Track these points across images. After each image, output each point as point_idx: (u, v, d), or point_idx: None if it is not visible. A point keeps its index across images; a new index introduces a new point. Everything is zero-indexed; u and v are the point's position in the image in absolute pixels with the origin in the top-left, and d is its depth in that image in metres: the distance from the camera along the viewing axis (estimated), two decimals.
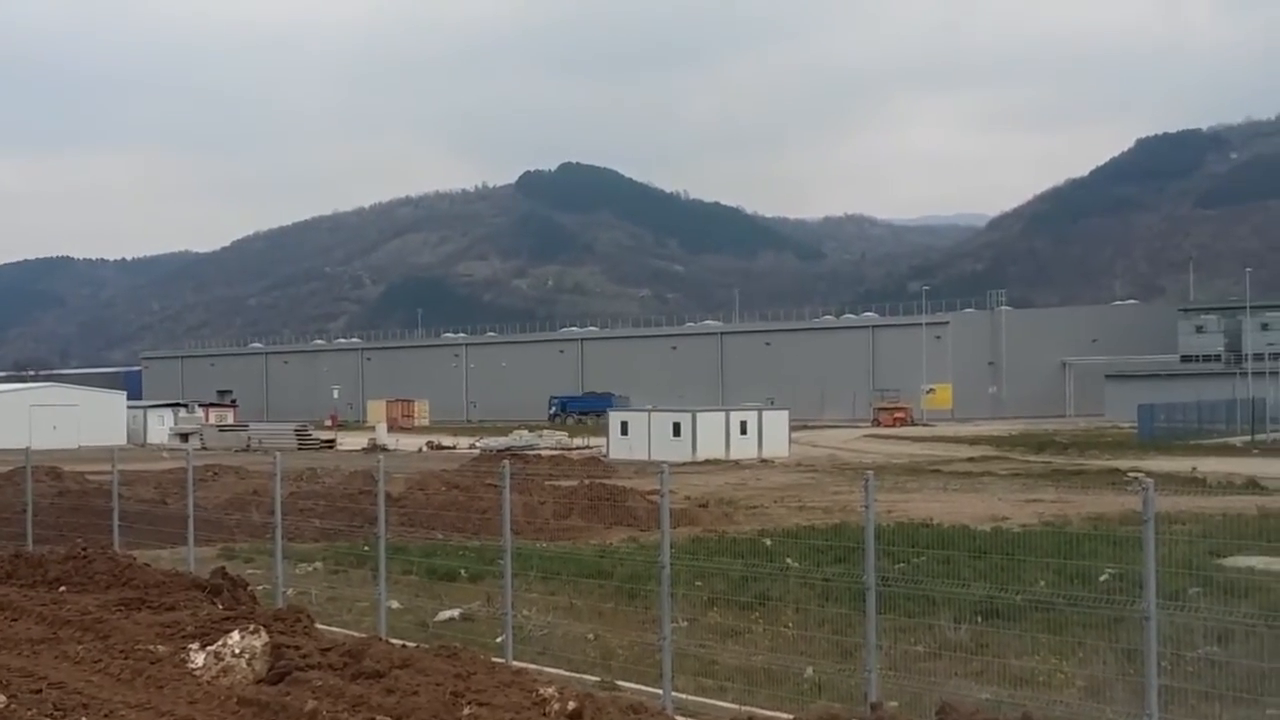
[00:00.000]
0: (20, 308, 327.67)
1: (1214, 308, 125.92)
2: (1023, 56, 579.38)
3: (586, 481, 38.17)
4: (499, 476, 15.49)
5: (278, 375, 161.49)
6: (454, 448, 76.21)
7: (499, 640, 14.95)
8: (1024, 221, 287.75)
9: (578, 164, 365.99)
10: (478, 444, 76.18)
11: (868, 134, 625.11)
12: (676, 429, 64.46)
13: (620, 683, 13.78)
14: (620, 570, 19.56)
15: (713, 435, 63.88)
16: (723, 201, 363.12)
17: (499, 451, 64.18)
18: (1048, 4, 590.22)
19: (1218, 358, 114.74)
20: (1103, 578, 13.55)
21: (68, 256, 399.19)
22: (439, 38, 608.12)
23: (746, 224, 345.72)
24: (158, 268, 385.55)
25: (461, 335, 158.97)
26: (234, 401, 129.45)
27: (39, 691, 10.86)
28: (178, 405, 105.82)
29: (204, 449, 76.40)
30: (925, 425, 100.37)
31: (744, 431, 64.69)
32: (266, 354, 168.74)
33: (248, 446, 78.40)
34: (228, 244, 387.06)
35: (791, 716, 11.49)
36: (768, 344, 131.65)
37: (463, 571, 20.62)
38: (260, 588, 17.96)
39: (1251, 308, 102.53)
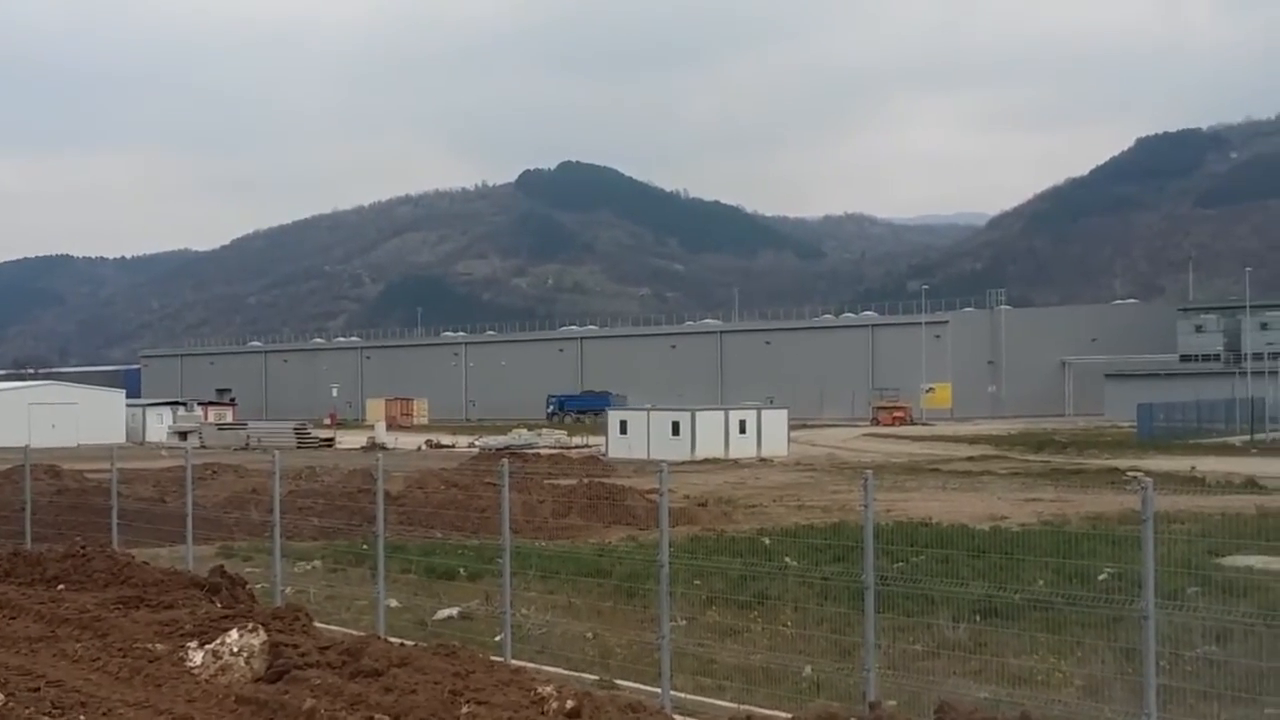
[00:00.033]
0: (20, 306, 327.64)
1: (1213, 307, 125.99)
2: (1023, 56, 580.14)
3: (585, 480, 38.10)
4: (498, 475, 15.49)
5: (277, 374, 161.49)
6: (453, 446, 76.18)
7: (497, 639, 14.95)
8: (1024, 221, 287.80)
9: (577, 163, 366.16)
10: (477, 443, 76.15)
11: (867, 133, 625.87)
12: (675, 428, 64.47)
13: (619, 681, 13.78)
14: (619, 569, 19.57)
15: (712, 434, 63.89)
16: (722, 200, 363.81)
17: (498, 450, 64.11)
18: (1047, 3, 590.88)
19: (1217, 357, 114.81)
20: (1101, 577, 13.54)
21: (67, 255, 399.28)
22: (439, 36, 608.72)
23: (746, 223, 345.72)
24: (157, 266, 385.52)
25: (461, 334, 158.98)
26: (233, 400, 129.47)
27: (37, 690, 10.86)
28: (177, 404, 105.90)
29: (203, 447, 76.38)
30: (924, 424, 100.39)
31: (743, 430, 64.70)
32: (266, 352, 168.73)
33: (246, 445, 78.38)
34: (227, 242, 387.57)
35: (790, 715, 11.48)
36: (767, 343, 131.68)
37: (461, 570, 20.62)
38: (259, 586, 17.96)
39: (1251, 307, 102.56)
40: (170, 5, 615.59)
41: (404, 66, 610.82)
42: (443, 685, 10.61)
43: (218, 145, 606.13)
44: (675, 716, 11.71)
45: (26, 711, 10.26)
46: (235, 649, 11.74)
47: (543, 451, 65.22)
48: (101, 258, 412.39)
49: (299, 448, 74.47)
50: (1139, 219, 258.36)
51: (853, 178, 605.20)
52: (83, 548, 18.40)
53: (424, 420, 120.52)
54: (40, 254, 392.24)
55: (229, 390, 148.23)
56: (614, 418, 69.25)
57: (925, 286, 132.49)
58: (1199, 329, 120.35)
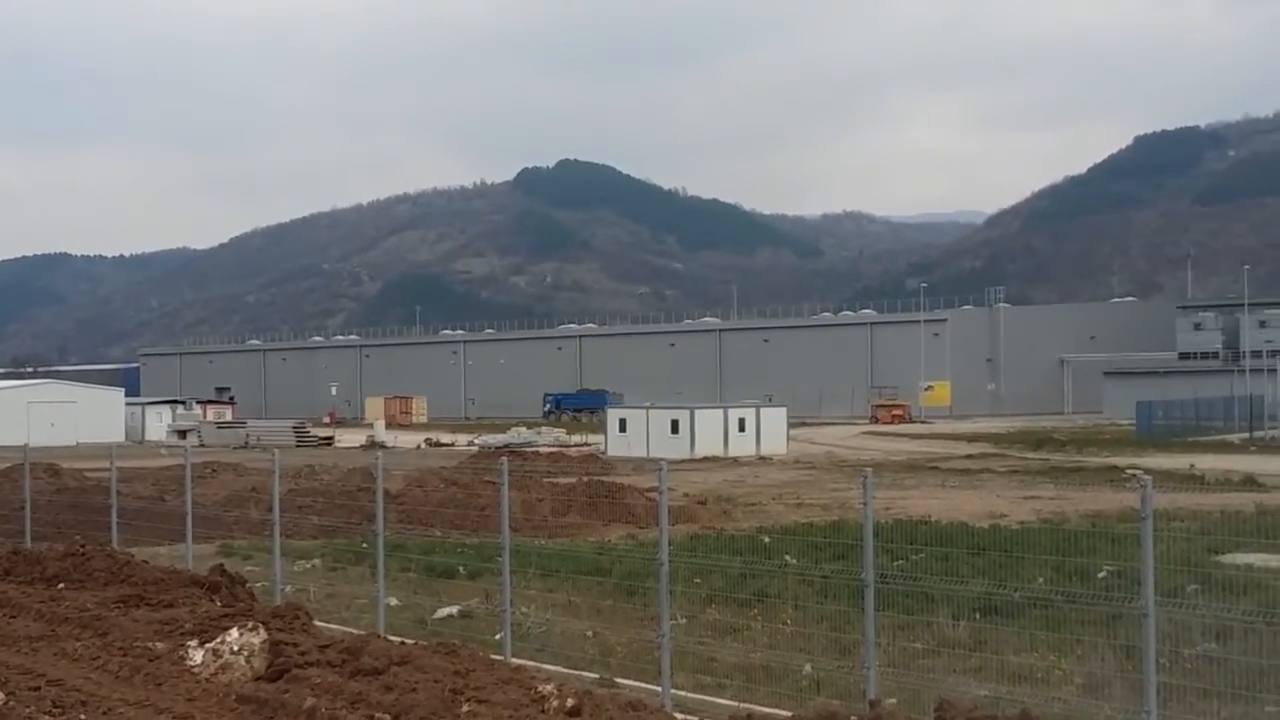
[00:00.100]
0: (18, 304, 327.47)
1: (1212, 305, 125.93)
2: (1022, 54, 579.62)
3: (585, 479, 38.12)
4: (497, 473, 15.50)
5: (276, 372, 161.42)
6: (452, 445, 76.20)
7: (498, 637, 14.96)
8: (1022, 219, 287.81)
9: (576, 161, 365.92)
10: (476, 441, 76.15)
11: (866, 131, 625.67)
12: (675, 426, 64.47)
13: (619, 680, 13.78)
14: (619, 567, 19.57)
15: (711, 432, 63.90)
16: (721, 198, 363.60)
17: (497, 449, 64.10)
18: (1046, 2, 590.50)
19: (1216, 355, 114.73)
20: (1101, 575, 13.55)
21: (66, 253, 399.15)
22: (437, 35, 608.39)
23: (745, 221, 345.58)
24: (156, 264, 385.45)
25: (460, 332, 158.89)
26: (232, 398, 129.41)
27: (38, 689, 10.87)
28: (176, 402, 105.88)
29: (202, 446, 76.36)
30: (923, 422, 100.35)
31: (742, 429, 64.70)
32: (265, 351, 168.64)
33: (246, 443, 78.35)
34: (226, 241, 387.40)
35: (790, 714, 11.48)
36: (766, 341, 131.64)
37: (461, 569, 20.62)
38: (259, 585, 17.97)
39: (1249, 305, 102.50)
40: (169, 4, 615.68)
41: (402, 65, 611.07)
42: (443, 684, 10.62)
43: (217, 144, 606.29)
44: (676, 715, 11.70)
45: (27, 710, 10.26)
46: (235, 648, 11.75)
47: (542, 450, 65.24)
48: (100, 256, 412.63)
49: (298, 446, 74.47)
50: (1137, 217, 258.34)
51: (851, 176, 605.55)
52: (82, 546, 18.41)
53: (423, 419, 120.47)
54: (39, 252, 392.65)
55: (228, 389, 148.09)
56: (613, 416, 69.25)
57: (924, 284, 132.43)
58: (1198, 327, 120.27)
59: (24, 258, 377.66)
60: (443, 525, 26.35)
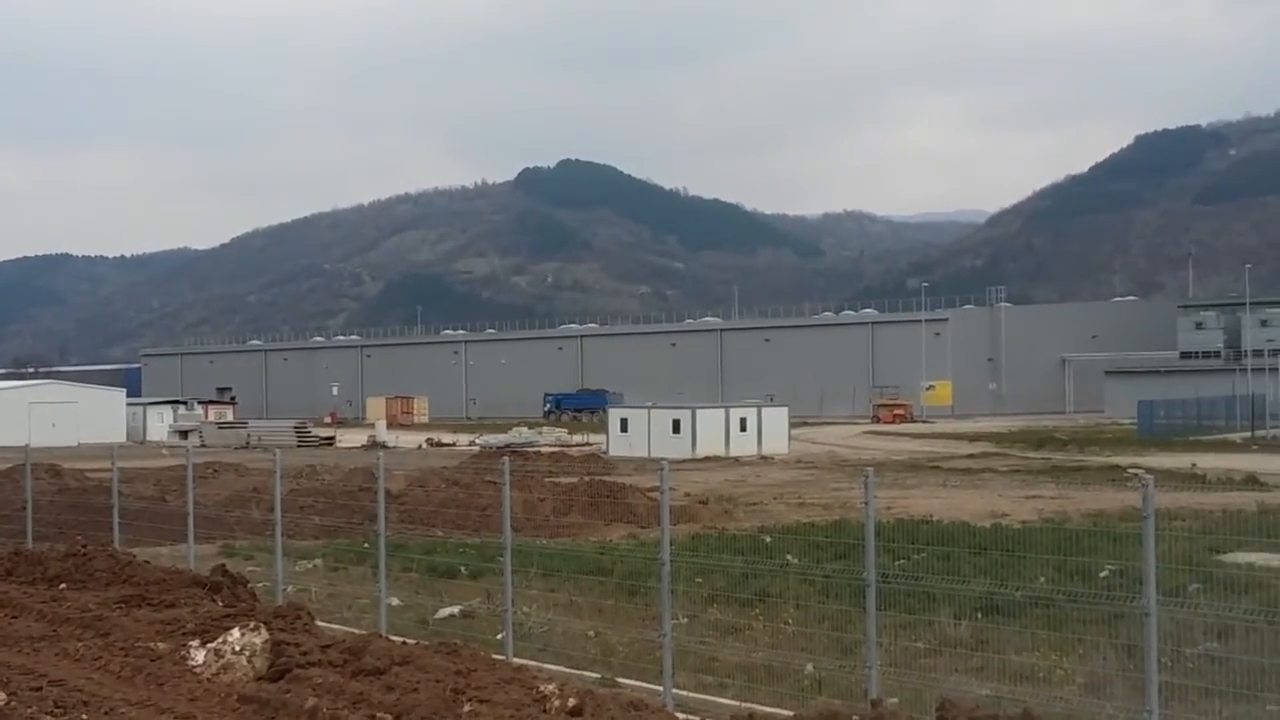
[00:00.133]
0: (19, 304, 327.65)
1: (1213, 304, 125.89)
2: (1022, 54, 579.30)
3: (586, 478, 38.14)
4: (499, 473, 15.49)
5: (277, 372, 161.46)
6: (454, 445, 76.21)
7: (499, 637, 14.96)
8: (1023, 218, 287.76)
9: (577, 161, 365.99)
10: (477, 441, 76.18)
11: (867, 131, 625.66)
12: (676, 426, 64.47)
13: (621, 679, 13.78)
14: (620, 567, 19.56)
15: (712, 432, 63.89)
16: (722, 198, 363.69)
17: (499, 448, 64.12)
18: (1047, 2, 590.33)
19: (1217, 354, 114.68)
20: (1103, 574, 13.56)
21: (67, 253, 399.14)
22: (438, 34, 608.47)
23: (746, 221, 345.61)
24: (157, 265, 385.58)
25: (461, 332, 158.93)
26: (233, 399, 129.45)
27: (39, 689, 10.87)
28: (177, 402, 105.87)
29: (203, 446, 76.40)
30: (925, 422, 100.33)
31: (743, 428, 64.70)
32: (266, 351, 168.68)
33: (247, 444, 78.40)
34: (227, 241, 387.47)
35: (792, 713, 11.48)
36: (767, 341, 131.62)
37: (463, 568, 20.62)
38: (260, 585, 17.96)
39: (1251, 304, 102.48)
40: (169, 4, 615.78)
41: (402, 65, 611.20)
42: (444, 684, 10.61)
43: (217, 144, 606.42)
44: (677, 714, 11.70)
45: (29, 711, 10.26)
46: (237, 648, 11.75)
47: (544, 450, 65.24)
48: (101, 256, 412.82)
49: (299, 446, 74.48)
50: (1138, 216, 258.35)
51: (852, 175, 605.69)
52: (84, 547, 18.41)
53: (424, 419, 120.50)
54: (40, 253, 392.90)
55: (229, 389, 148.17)
56: (614, 416, 69.24)
57: (925, 284, 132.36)
58: (1199, 326, 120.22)
59: (25, 258, 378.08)
60: (444, 525, 26.35)
